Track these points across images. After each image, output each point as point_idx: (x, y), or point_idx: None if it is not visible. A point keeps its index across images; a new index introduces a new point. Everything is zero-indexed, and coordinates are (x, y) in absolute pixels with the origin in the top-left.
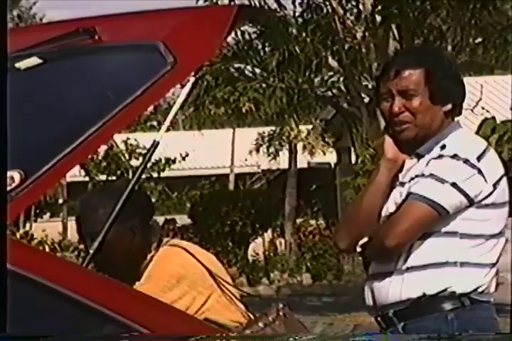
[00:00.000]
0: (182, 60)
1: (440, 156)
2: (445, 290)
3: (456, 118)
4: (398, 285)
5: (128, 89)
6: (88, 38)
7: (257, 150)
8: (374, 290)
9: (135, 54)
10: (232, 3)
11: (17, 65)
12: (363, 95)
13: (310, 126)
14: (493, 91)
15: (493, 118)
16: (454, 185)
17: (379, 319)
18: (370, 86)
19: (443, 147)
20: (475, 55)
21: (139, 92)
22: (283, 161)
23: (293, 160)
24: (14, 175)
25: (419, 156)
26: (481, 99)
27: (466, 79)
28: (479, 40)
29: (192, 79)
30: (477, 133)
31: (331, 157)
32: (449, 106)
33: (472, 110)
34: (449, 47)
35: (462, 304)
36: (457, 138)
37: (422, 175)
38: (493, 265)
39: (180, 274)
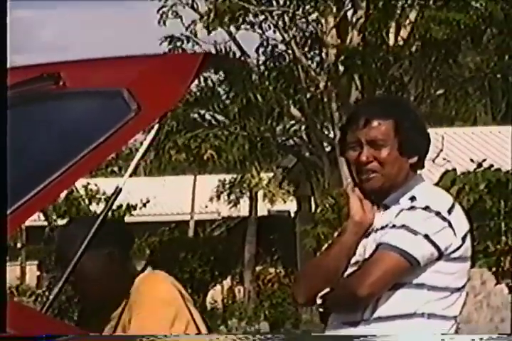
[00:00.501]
0: (146, 107)
1: (412, 208)
2: None
3: (418, 172)
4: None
5: (91, 135)
6: (53, 83)
7: (218, 198)
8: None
9: (99, 100)
10: (196, 48)
11: None
12: (324, 144)
13: (271, 174)
14: (454, 143)
15: (454, 170)
16: (426, 236)
17: None
18: (331, 135)
19: (412, 198)
20: (436, 107)
21: (102, 139)
22: (243, 209)
23: (253, 208)
24: None
25: (386, 207)
26: (442, 150)
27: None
28: (440, 91)
29: (156, 126)
30: (437, 184)
31: (291, 205)
32: (415, 159)
33: (433, 161)
34: (411, 98)
35: None
36: (425, 190)
37: (393, 226)
38: (456, 317)
39: (170, 298)
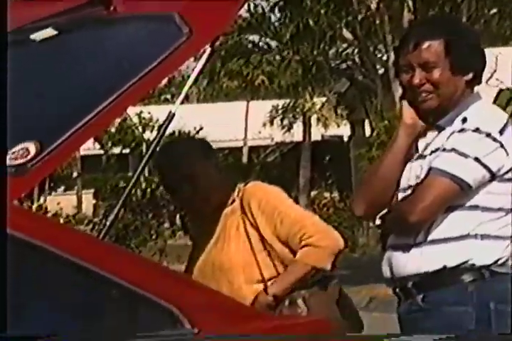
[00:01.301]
0: (197, 31)
1: (462, 130)
2: (465, 262)
3: (475, 89)
4: (418, 257)
5: (143, 60)
6: (103, 8)
7: (271, 123)
8: (392, 262)
9: (150, 25)
10: None
11: (32, 36)
12: (377, 67)
13: (324, 99)
14: (508, 63)
15: (509, 89)
16: (476, 159)
17: (397, 291)
18: (384, 57)
19: (464, 120)
20: (490, 26)
21: (154, 64)
22: (297, 134)
23: (307, 133)
24: (29, 147)
25: (440, 128)
26: (495, 71)
27: None
28: (494, 10)
29: (208, 51)
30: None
31: (344, 129)
32: (470, 76)
33: (487, 81)
34: (464, 18)
35: (482, 276)
36: (478, 110)
37: (444, 149)
38: None
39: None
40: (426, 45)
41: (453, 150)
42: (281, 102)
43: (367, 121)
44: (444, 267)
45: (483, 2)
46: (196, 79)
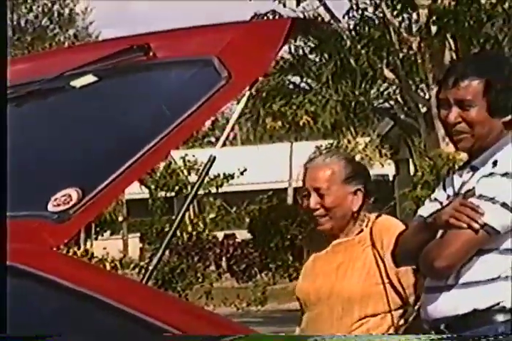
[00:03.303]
0: (236, 75)
1: (491, 174)
2: (497, 304)
3: None
4: (449, 300)
5: (183, 104)
6: (142, 54)
7: None
8: (426, 304)
9: (189, 69)
10: (284, 16)
11: (72, 83)
12: (420, 106)
13: (367, 139)
14: None
15: None
16: (504, 205)
17: (432, 332)
18: (427, 96)
19: (495, 163)
20: None
21: (194, 108)
22: None
23: None
24: (71, 193)
25: (474, 169)
26: None
27: None
28: None
29: (247, 94)
30: None
31: (389, 169)
32: (509, 117)
33: None
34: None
35: None
36: (510, 153)
37: (473, 194)
38: None
39: None
40: (465, 83)
41: (480, 196)
42: (324, 143)
43: (411, 160)
44: (475, 310)
45: None
46: (239, 122)
